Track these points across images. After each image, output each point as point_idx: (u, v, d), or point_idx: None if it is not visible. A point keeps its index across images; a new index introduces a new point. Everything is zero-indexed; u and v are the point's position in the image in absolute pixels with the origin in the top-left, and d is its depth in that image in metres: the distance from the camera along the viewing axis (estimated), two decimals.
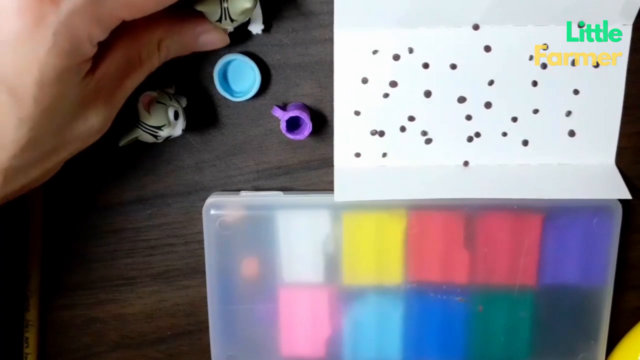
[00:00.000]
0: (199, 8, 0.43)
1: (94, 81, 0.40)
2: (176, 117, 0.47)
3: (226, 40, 0.47)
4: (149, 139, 0.47)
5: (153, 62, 0.45)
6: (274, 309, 0.54)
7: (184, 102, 0.50)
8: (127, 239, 0.55)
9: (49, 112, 0.38)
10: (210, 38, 0.46)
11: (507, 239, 0.53)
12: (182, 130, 0.48)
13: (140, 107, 0.45)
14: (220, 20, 0.44)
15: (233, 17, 0.44)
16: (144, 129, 0.47)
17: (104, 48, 0.41)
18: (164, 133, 0.47)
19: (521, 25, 0.49)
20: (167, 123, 0.47)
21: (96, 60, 0.40)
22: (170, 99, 0.48)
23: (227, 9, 0.43)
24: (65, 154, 0.42)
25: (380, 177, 0.52)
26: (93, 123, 0.42)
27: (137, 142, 0.48)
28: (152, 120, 0.46)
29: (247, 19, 0.46)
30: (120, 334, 0.57)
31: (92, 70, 0.40)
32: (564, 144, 0.52)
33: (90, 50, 0.38)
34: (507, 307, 0.54)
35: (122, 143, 0.47)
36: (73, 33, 0.37)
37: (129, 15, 0.39)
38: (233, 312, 0.54)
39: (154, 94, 0.47)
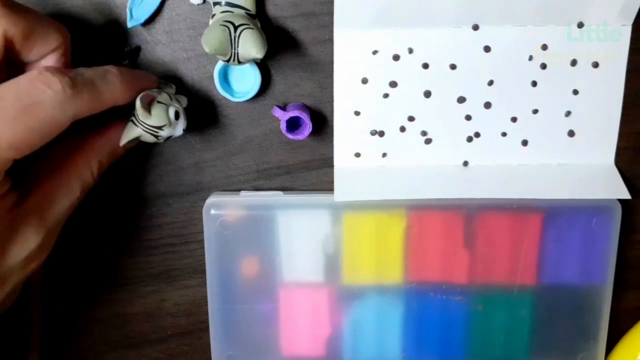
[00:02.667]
0: (210, 52, 0.44)
1: (22, 213, 0.42)
2: (177, 117, 0.47)
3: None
4: (150, 139, 0.47)
5: (87, 182, 0.46)
6: (274, 308, 0.54)
7: (184, 102, 0.50)
8: (127, 238, 0.55)
9: None
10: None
11: (506, 239, 0.53)
12: (183, 130, 0.48)
13: (141, 107, 0.45)
14: (228, 61, 0.45)
15: (241, 60, 0.45)
16: (144, 129, 0.46)
17: (31, 180, 0.43)
18: (164, 133, 0.47)
19: (521, 25, 0.49)
20: (168, 123, 0.47)
21: (22, 194, 0.42)
22: (171, 99, 0.47)
23: (238, 53, 0.45)
24: (7, 287, 0.43)
25: (380, 177, 0.52)
26: (26, 254, 0.42)
27: (137, 142, 0.48)
28: (153, 120, 0.46)
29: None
30: (121, 334, 0.57)
31: (19, 203, 0.42)
32: (564, 144, 0.52)
33: None
34: (507, 307, 0.54)
35: (122, 143, 0.47)
36: None
37: (17, 154, 0.39)
38: (233, 311, 0.54)
39: (154, 93, 0.47)
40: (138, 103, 0.45)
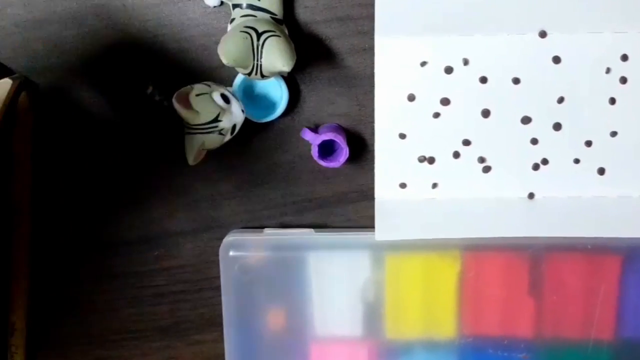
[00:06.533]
0: (229, 63, 0.42)
1: None
2: (226, 100, 0.44)
3: None
4: (216, 139, 0.45)
5: None
6: None
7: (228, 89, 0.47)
8: (131, 284, 0.53)
9: None
10: None
11: (579, 285, 0.51)
12: (242, 111, 0.45)
13: (182, 108, 0.42)
14: (250, 74, 0.44)
15: (265, 73, 0.44)
16: (202, 131, 0.44)
17: None
18: (225, 123, 0.44)
19: (596, 32, 0.47)
20: (221, 110, 0.44)
21: None
22: (210, 86, 0.45)
23: (261, 65, 0.43)
24: None
25: (430, 212, 0.50)
26: None
27: (139, 168, 0.48)
28: (203, 116, 0.43)
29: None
30: None
31: None
32: None
33: None
34: None
35: (191, 161, 0.44)
36: None
37: None
38: None
39: (188, 88, 0.44)
40: (176, 106, 0.42)
